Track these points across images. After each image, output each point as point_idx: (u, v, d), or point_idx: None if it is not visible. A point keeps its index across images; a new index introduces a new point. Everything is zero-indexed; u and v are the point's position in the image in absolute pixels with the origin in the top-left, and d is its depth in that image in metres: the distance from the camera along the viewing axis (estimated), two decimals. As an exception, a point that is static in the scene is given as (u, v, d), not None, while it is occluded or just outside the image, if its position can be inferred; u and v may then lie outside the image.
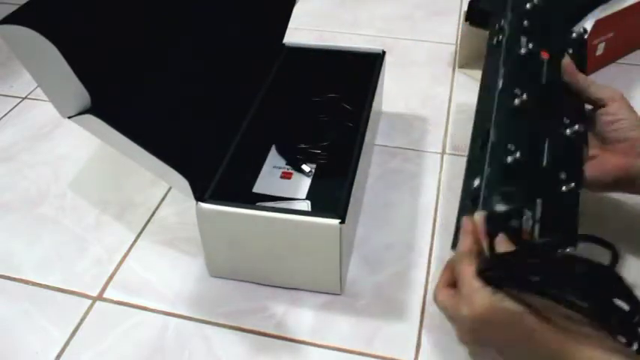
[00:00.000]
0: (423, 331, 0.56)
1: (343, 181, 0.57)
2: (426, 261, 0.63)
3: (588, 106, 0.59)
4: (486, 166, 0.49)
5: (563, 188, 0.50)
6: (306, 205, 0.67)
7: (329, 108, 0.80)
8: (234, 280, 0.61)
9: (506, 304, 0.40)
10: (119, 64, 0.50)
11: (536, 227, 0.46)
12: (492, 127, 0.51)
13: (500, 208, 0.47)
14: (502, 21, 0.60)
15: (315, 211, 0.63)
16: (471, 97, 0.81)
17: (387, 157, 0.77)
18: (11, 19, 0.39)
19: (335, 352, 0.54)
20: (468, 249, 0.45)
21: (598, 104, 0.57)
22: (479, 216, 0.46)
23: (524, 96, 0.52)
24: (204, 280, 0.61)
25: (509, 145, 0.49)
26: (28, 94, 0.92)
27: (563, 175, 0.50)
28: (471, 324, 0.42)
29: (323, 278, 0.58)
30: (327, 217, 0.53)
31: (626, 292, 0.37)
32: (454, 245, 0.48)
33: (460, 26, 1.00)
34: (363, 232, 0.66)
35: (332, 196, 0.59)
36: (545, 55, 0.57)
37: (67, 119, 0.48)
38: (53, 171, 0.77)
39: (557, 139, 0.52)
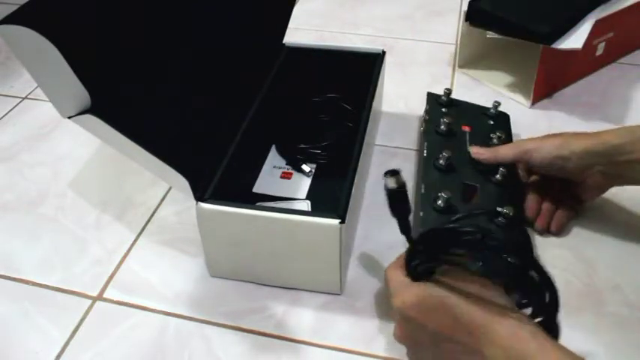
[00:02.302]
0: (423, 331, 0.56)
1: (343, 181, 0.57)
2: (426, 261, 0.63)
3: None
4: (420, 211, 0.60)
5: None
6: (306, 205, 0.67)
7: (329, 108, 0.80)
8: (234, 280, 0.61)
9: (431, 290, 0.45)
10: (119, 65, 0.50)
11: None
12: (421, 182, 0.64)
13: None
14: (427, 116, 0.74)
15: (315, 211, 0.63)
16: (471, 97, 0.81)
17: (387, 157, 0.77)
18: (11, 19, 0.39)
19: (335, 352, 0.54)
20: (397, 260, 0.51)
21: (522, 165, 0.66)
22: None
23: (448, 157, 0.65)
24: (204, 280, 0.61)
25: (436, 193, 0.61)
26: (28, 94, 0.92)
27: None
28: (401, 315, 0.47)
29: (323, 278, 0.58)
30: (327, 217, 0.53)
31: (514, 251, 0.44)
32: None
33: (460, 26, 1.00)
34: (363, 232, 0.66)
35: (332, 196, 0.59)
36: (466, 128, 0.71)
37: (67, 119, 0.48)
38: (53, 171, 0.77)
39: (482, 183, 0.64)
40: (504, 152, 0.64)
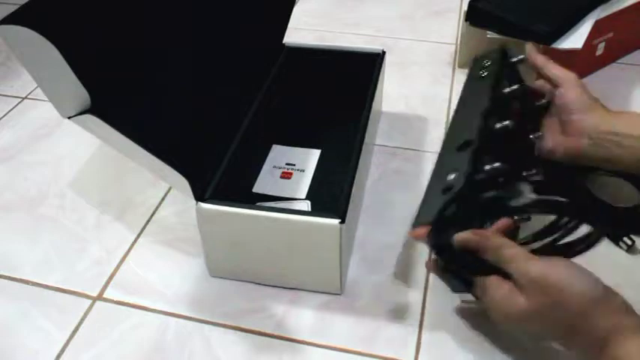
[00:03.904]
0: (423, 331, 0.56)
1: (343, 181, 0.57)
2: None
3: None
4: (467, 165, 0.53)
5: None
6: (306, 205, 0.67)
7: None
8: (234, 280, 0.61)
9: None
10: (119, 64, 0.50)
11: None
12: (475, 138, 0.56)
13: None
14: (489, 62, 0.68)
15: (315, 211, 0.63)
16: (470, 97, 0.81)
17: (387, 157, 0.77)
18: (11, 19, 0.39)
19: (335, 352, 0.54)
20: (499, 239, 0.48)
21: (553, 84, 0.59)
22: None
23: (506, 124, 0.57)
24: (204, 280, 0.61)
25: (486, 157, 0.55)
26: (28, 94, 0.92)
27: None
28: (540, 286, 0.44)
29: (323, 278, 0.58)
30: (327, 217, 0.53)
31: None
32: (416, 224, 0.52)
33: (460, 26, 1.00)
34: (363, 232, 0.66)
35: (332, 196, 0.59)
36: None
37: (67, 119, 0.48)
38: (53, 171, 0.77)
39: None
40: (553, 67, 0.59)
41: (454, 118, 0.64)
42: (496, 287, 0.47)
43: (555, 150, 0.57)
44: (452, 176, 0.53)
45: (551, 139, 0.57)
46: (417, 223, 0.52)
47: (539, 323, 0.45)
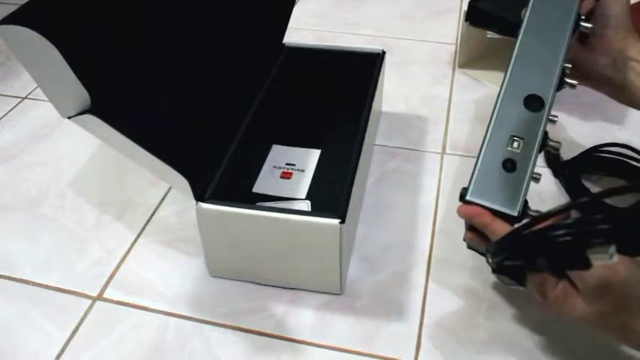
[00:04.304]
0: (423, 331, 0.56)
1: (343, 181, 0.57)
2: (426, 261, 0.63)
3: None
4: (540, 131, 0.46)
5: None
6: (306, 205, 0.67)
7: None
8: (234, 280, 0.61)
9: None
10: (119, 64, 0.50)
11: None
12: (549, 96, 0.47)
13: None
14: None
15: (315, 211, 0.63)
16: (471, 97, 0.82)
17: (387, 157, 0.77)
18: (11, 19, 0.39)
19: (335, 352, 0.54)
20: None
21: None
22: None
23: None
24: (204, 280, 0.61)
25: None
26: (28, 94, 0.92)
27: None
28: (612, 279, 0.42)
29: (323, 278, 0.58)
30: (327, 217, 0.53)
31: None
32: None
33: (460, 26, 1.00)
34: (363, 232, 0.66)
35: (332, 196, 0.59)
36: None
37: (67, 119, 0.48)
38: (53, 171, 0.77)
39: None
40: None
41: (523, 38, 0.52)
42: (551, 286, 0.44)
43: (570, 61, 0.51)
44: (515, 146, 0.46)
45: (571, 49, 0.52)
46: (469, 197, 0.47)
47: (597, 325, 0.44)
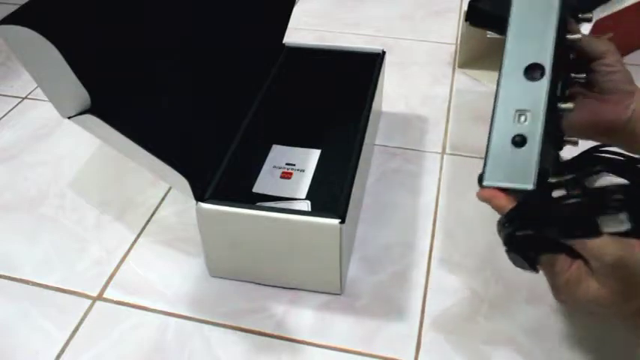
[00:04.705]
0: (423, 331, 0.56)
1: (343, 181, 0.57)
2: (426, 261, 0.63)
3: None
4: (544, 97, 0.45)
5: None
6: (306, 205, 0.67)
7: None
8: (234, 280, 0.61)
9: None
10: (119, 64, 0.50)
11: None
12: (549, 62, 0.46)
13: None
14: None
15: (315, 211, 0.63)
16: (470, 97, 0.82)
17: (387, 157, 0.77)
18: (11, 19, 0.39)
19: (335, 352, 0.54)
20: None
21: (593, 56, 0.56)
22: None
23: None
24: (204, 280, 0.61)
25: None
26: (28, 94, 0.92)
27: None
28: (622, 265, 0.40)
29: (323, 278, 0.58)
30: (327, 217, 0.53)
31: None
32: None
33: (460, 26, 1.00)
34: (363, 232, 0.66)
35: (332, 196, 0.59)
36: None
37: (67, 119, 0.48)
38: (53, 171, 0.77)
39: None
40: (593, 39, 0.55)
41: (514, 15, 0.51)
42: (564, 267, 0.43)
43: (597, 117, 0.53)
44: (522, 120, 0.46)
45: (587, 108, 0.53)
46: (485, 182, 0.46)
47: (610, 307, 0.42)
